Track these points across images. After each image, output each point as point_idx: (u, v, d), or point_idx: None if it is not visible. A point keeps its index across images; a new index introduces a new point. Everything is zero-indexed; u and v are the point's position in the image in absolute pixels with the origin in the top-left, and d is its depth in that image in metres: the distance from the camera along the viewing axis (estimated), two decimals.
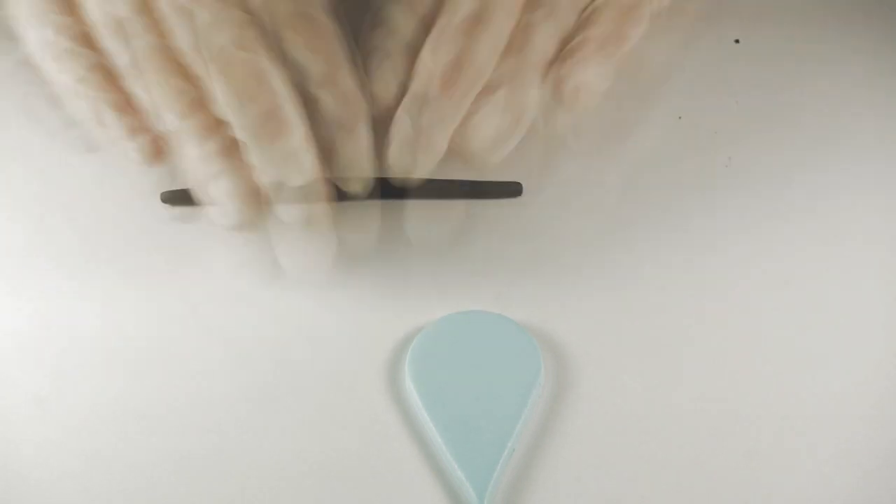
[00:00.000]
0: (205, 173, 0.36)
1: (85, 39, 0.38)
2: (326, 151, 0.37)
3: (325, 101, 0.37)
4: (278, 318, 0.38)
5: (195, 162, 0.37)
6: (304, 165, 0.36)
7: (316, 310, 0.39)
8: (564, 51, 0.39)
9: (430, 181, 0.39)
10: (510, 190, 0.42)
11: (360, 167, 0.37)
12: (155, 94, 0.37)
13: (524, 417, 0.35)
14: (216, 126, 0.36)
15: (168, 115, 0.37)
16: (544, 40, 0.39)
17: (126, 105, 0.38)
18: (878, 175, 0.43)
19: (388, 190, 0.39)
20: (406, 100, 0.38)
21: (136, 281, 0.39)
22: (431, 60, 0.38)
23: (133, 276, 0.40)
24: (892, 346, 0.38)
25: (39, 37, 0.38)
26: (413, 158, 0.38)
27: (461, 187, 0.41)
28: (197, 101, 0.37)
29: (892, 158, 0.43)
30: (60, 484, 0.34)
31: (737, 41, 0.47)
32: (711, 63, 0.46)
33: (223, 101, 0.36)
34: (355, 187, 0.38)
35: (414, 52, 0.39)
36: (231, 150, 0.36)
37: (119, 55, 0.37)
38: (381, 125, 0.38)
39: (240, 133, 0.36)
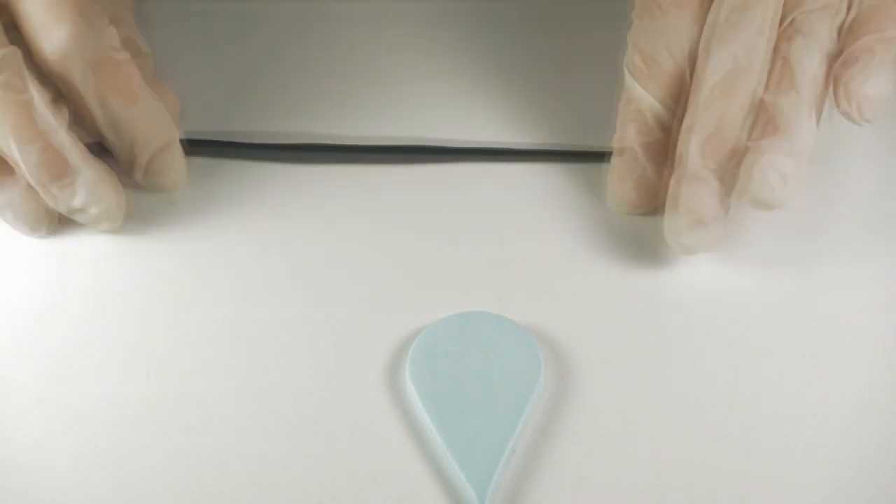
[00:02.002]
0: None
1: None
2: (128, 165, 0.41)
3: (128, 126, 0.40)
4: (278, 318, 0.38)
5: None
6: (100, 196, 0.39)
7: (316, 310, 0.39)
8: (835, 70, 0.38)
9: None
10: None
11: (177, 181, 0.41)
12: None
13: (525, 418, 0.35)
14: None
15: None
16: (810, 71, 0.38)
17: None
18: (879, 175, 0.43)
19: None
20: (681, 185, 0.38)
21: (135, 281, 0.39)
22: (694, 137, 0.38)
23: (132, 276, 0.40)
24: (893, 346, 0.38)
25: None
26: (696, 241, 0.38)
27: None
28: None
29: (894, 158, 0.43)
30: (60, 484, 0.34)
31: None
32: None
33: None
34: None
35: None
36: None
37: None
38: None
39: (27, 175, 0.38)
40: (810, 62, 0.37)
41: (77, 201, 0.39)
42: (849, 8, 0.38)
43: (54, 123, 0.38)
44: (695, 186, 0.37)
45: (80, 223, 0.40)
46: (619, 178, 0.40)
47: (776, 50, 0.38)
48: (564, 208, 0.42)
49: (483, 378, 0.36)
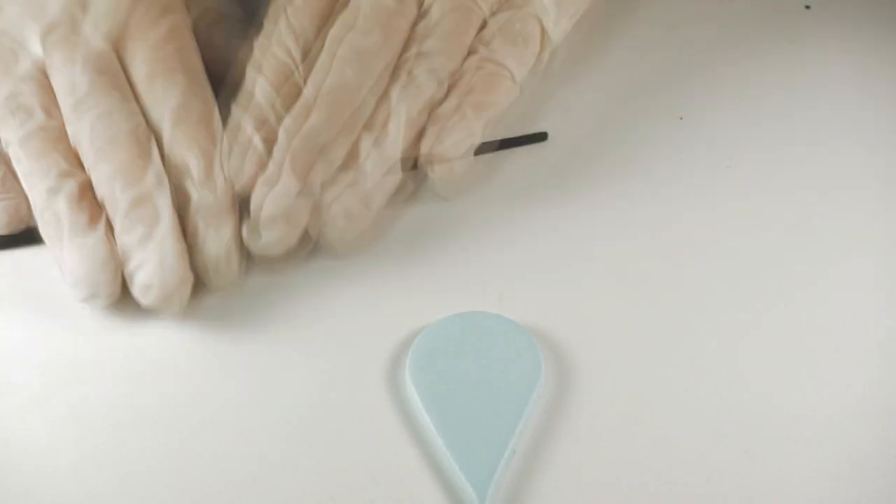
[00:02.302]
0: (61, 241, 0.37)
1: None
2: (191, 247, 0.37)
3: (199, 197, 0.37)
4: (279, 318, 0.38)
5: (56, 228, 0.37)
6: (166, 258, 0.36)
7: (317, 310, 0.39)
8: (429, 120, 0.39)
9: None
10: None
11: (225, 265, 0.38)
12: (29, 165, 0.38)
13: (525, 418, 0.35)
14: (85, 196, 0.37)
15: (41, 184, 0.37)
16: (404, 116, 0.39)
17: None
18: (881, 175, 0.43)
19: None
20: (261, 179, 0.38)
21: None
22: (286, 138, 0.38)
23: None
24: (893, 345, 0.38)
25: None
26: (277, 235, 0.38)
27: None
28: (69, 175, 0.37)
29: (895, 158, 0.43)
30: (60, 484, 0.34)
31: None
32: (712, 63, 0.46)
33: (102, 182, 0.37)
34: (217, 285, 0.38)
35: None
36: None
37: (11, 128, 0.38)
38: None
39: (111, 211, 0.37)
40: (407, 111, 0.39)
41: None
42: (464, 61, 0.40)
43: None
44: (282, 186, 0.37)
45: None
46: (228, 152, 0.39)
47: (390, 85, 0.39)
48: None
49: (483, 378, 0.36)
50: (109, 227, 0.37)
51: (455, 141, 0.39)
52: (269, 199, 0.37)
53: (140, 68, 0.39)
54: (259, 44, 0.40)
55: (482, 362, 0.36)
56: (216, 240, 0.37)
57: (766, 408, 0.36)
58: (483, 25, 0.41)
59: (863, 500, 0.34)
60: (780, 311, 0.39)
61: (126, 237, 0.36)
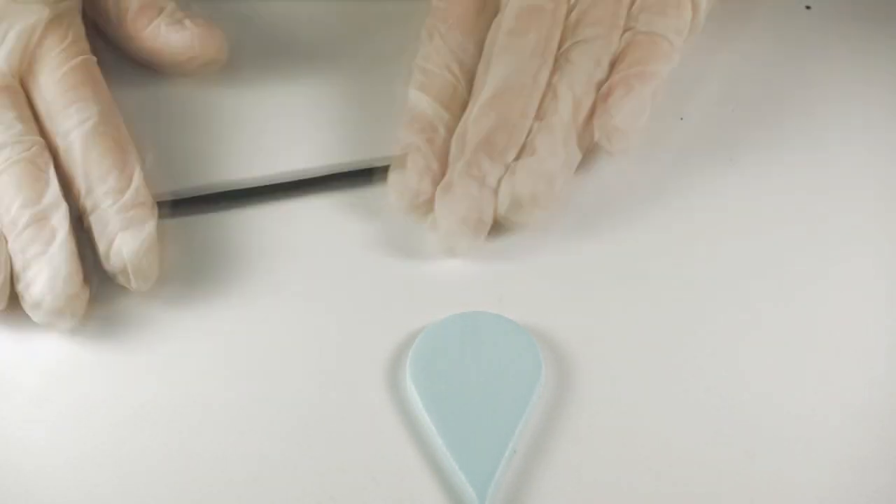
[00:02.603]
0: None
1: None
2: (106, 254, 0.38)
3: (117, 205, 0.38)
4: (279, 318, 0.38)
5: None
6: (58, 274, 0.36)
7: (317, 310, 0.39)
8: (595, 101, 0.40)
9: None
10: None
11: (145, 264, 0.38)
12: None
13: (525, 418, 0.35)
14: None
15: None
16: (572, 100, 0.40)
17: None
18: (881, 175, 0.43)
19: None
20: (441, 185, 0.39)
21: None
22: (462, 145, 0.39)
23: None
24: (894, 346, 0.38)
25: None
26: (457, 242, 0.39)
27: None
28: None
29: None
30: (60, 484, 0.34)
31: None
32: (712, 63, 0.46)
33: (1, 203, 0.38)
34: (137, 286, 0.38)
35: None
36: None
37: None
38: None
39: (7, 231, 0.37)
40: (572, 91, 0.40)
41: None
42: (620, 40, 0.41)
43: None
44: (459, 191, 0.39)
45: None
46: (400, 174, 0.40)
47: (552, 76, 0.41)
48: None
49: (483, 378, 0.36)
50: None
51: (627, 113, 0.40)
52: (454, 206, 0.38)
53: (50, 96, 0.40)
54: (418, 65, 0.42)
55: (482, 362, 0.36)
56: (134, 241, 0.37)
57: (766, 408, 0.36)
58: (632, 1, 0.42)
59: (863, 500, 0.34)
60: (780, 311, 0.38)
61: (20, 256, 0.37)
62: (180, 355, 0.37)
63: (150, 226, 0.38)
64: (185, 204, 0.41)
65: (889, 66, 0.46)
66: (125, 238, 0.37)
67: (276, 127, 0.44)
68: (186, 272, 0.39)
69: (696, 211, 0.41)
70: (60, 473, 0.34)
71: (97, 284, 0.38)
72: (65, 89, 0.40)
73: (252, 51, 0.46)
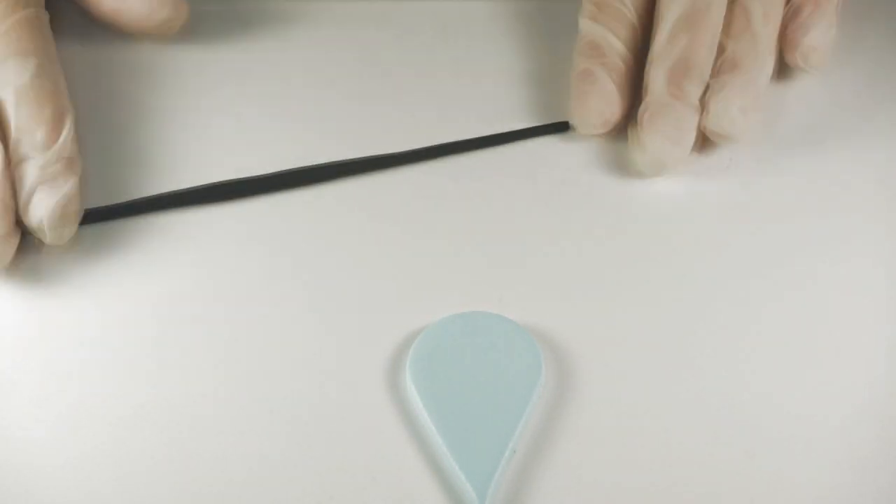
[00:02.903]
0: None
1: None
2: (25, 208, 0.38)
3: (41, 160, 0.39)
4: (279, 319, 0.38)
5: None
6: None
7: (316, 310, 0.39)
8: (784, 20, 0.42)
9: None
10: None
11: (59, 221, 0.38)
12: None
13: (525, 418, 0.35)
14: None
15: None
16: (763, 15, 0.41)
17: None
18: (882, 174, 0.43)
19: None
20: (649, 108, 0.40)
21: (136, 281, 0.39)
22: (659, 68, 0.41)
23: (132, 275, 0.40)
24: (894, 345, 0.38)
25: None
26: (667, 157, 0.40)
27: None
28: None
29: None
30: (60, 484, 0.34)
31: None
32: None
33: None
34: (53, 239, 0.39)
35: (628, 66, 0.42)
36: None
37: None
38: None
39: None
40: (763, 7, 0.41)
41: None
42: None
43: None
44: (663, 111, 0.40)
45: None
46: (582, 96, 0.42)
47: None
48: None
49: (483, 378, 0.36)
50: None
51: (818, 31, 0.42)
52: (660, 125, 0.40)
53: None
54: None
55: (482, 362, 0.36)
56: (50, 199, 0.38)
57: (766, 408, 0.36)
58: None
59: (863, 500, 0.34)
60: (780, 311, 0.38)
61: None
62: (179, 356, 0.37)
63: (70, 184, 0.39)
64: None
65: (890, 64, 0.46)
66: (41, 195, 0.38)
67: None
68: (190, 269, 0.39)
69: (696, 211, 0.41)
70: (60, 473, 0.34)
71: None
72: (7, 42, 0.40)
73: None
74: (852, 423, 0.36)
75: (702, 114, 0.41)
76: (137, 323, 0.38)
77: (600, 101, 0.41)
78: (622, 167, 0.42)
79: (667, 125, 0.40)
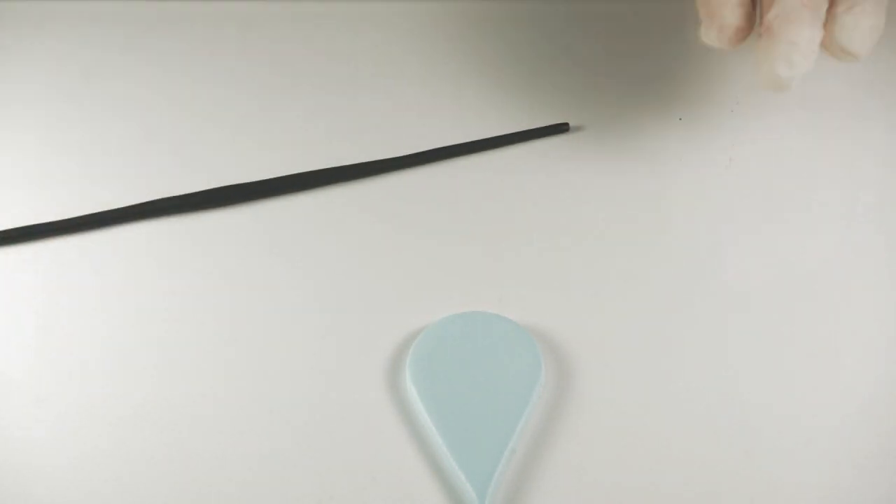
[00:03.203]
0: None
1: None
2: None
3: None
4: (279, 319, 0.38)
5: None
6: None
7: (317, 310, 0.39)
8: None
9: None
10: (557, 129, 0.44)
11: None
12: None
13: (525, 418, 0.35)
14: None
15: None
16: None
17: None
18: (882, 173, 0.43)
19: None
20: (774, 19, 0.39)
21: (136, 283, 0.39)
22: None
23: (131, 275, 0.40)
24: (893, 345, 0.38)
25: None
26: (792, 67, 0.39)
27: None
28: None
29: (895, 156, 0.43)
30: (60, 484, 0.34)
31: None
32: (711, 63, 0.46)
33: None
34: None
35: None
36: None
37: None
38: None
39: None
40: None
41: None
42: None
43: None
44: (792, 19, 0.39)
45: None
46: (710, 5, 0.40)
47: None
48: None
49: (483, 378, 0.36)
50: None
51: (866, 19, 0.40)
52: (786, 34, 0.39)
53: None
54: None
55: (482, 362, 0.36)
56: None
57: (766, 409, 0.36)
58: None
59: (863, 500, 0.34)
60: (780, 311, 0.38)
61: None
62: (179, 356, 0.37)
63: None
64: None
65: (890, 63, 0.46)
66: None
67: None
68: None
69: (696, 211, 0.41)
70: (60, 473, 0.34)
71: None
72: None
73: None
74: (852, 423, 0.36)
75: (826, 28, 0.39)
76: (137, 323, 0.38)
77: (729, 12, 0.40)
78: (622, 167, 0.42)
79: (800, 32, 0.39)
